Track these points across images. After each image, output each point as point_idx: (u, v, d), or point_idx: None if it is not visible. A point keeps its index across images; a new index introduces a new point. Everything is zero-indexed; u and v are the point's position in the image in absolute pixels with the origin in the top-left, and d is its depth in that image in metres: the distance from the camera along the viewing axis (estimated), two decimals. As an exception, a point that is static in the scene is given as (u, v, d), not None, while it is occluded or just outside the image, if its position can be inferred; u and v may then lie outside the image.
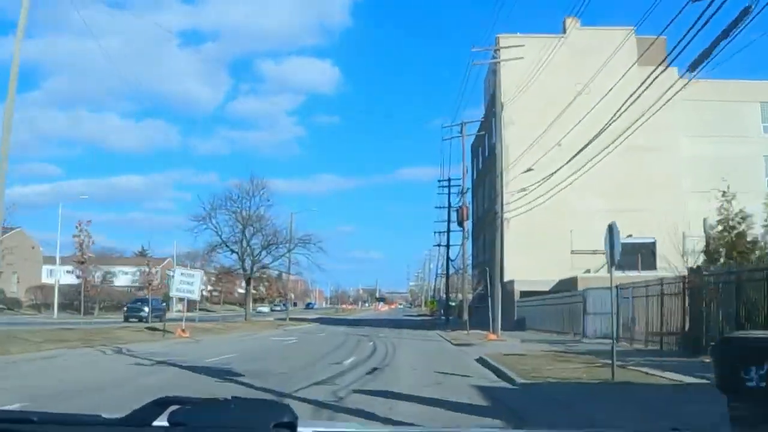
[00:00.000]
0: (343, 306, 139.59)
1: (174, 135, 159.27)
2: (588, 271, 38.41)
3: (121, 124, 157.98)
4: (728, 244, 16.69)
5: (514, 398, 10.45)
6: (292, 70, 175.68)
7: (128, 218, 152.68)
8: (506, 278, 36.82)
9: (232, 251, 49.66)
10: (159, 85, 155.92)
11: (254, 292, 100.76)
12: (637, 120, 27.62)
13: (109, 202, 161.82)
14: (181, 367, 14.78)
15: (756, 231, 18.14)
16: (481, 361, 16.99)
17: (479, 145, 55.97)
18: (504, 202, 31.86)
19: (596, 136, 26.44)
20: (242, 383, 11.69)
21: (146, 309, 37.97)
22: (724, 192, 17.59)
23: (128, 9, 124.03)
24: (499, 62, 31.16)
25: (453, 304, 70.34)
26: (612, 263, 11.70)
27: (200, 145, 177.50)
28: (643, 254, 39.43)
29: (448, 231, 60.51)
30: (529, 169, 31.48)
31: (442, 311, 68.19)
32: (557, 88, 36.38)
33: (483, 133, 49.84)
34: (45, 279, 67.86)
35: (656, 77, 18.01)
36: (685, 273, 17.82)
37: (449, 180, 59.38)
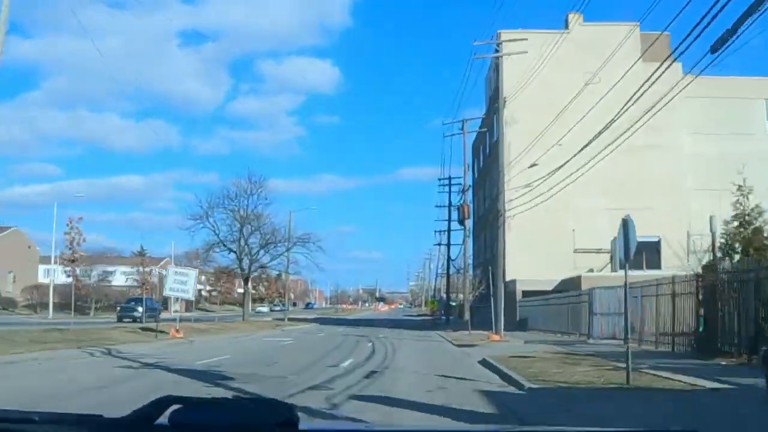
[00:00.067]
0: (343, 306, 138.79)
1: (174, 135, 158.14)
2: (591, 270, 37.68)
3: (121, 124, 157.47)
4: (744, 240, 15.93)
5: (524, 405, 9.69)
6: (292, 70, 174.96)
7: (128, 218, 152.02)
8: (508, 278, 36.11)
9: (230, 250, 48.91)
10: (159, 85, 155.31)
11: (253, 292, 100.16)
12: (641, 117, 26.99)
13: (109, 202, 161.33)
14: (168, 370, 14.02)
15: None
16: (485, 363, 16.22)
17: (480, 144, 55.25)
18: (506, 200, 31.09)
19: (600, 133, 25.86)
20: (231, 388, 10.95)
21: (140, 309, 37.10)
22: (740, 186, 16.82)
23: (128, 9, 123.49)
24: (501, 56, 30.41)
25: (453, 304, 69.60)
26: (626, 260, 10.93)
27: (200, 145, 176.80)
28: (647, 253, 38.73)
29: (449, 230, 59.76)
30: (534, 164, 30.76)
31: (442, 311, 67.42)
32: (560, 85, 35.61)
33: (484, 130, 49.11)
34: (42, 279, 67.06)
35: (661, 74, 17.53)
36: (693, 271, 17.09)
37: (450, 179, 58.69)
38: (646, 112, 24.09)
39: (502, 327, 28.16)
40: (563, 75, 36.73)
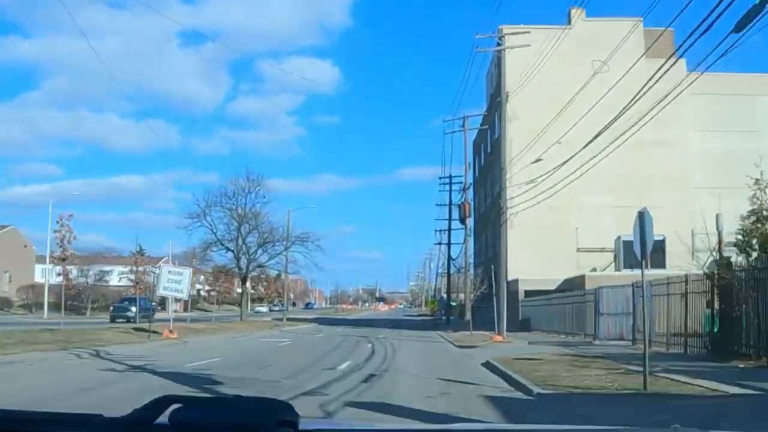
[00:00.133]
0: (343, 306, 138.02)
1: (174, 135, 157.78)
2: (594, 269, 36.97)
3: (121, 124, 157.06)
4: (762, 236, 15.17)
5: (534, 413, 8.96)
6: (292, 69, 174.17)
7: (128, 218, 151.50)
8: (510, 277, 35.36)
9: (228, 249, 48.17)
10: (159, 85, 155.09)
11: (253, 292, 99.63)
12: (646, 114, 26.32)
13: (109, 202, 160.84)
14: (154, 373, 13.27)
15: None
16: (489, 365, 15.48)
17: (481, 142, 54.55)
18: (508, 197, 30.35)
19: (606, 127, 25.22)
20: (218, 394, 10.20)
21: (133, 309, 36.27)
22: (757, 180, 16.08)
23: (128, 9, 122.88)
24: (503, 49, 29.67)
25: (454, 303, 68.84)
26: (643, 256, 10.18)
27: (200, 144, 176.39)
28: (652, 252, 37.95)
29: (449, 229, 59.00)
30: (539, 159, 29.99)
31: (442, 311, 66.66)
32: (562, 82, 34.89)
33: (486, 127, 48.38)
34: (38, 278, 66.31)
35: (666, 70, 16.95)
36: (706, 270, 16.36)
37: (450, 177, 57.96)
38: (652, 108, 23.46)
39: (505, 327, 27.45)
40: (565, 71, 36.03)
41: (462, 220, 46.94)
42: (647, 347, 10.56)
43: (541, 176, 30.41)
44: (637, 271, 32.21)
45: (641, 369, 12.97)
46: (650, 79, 18.19)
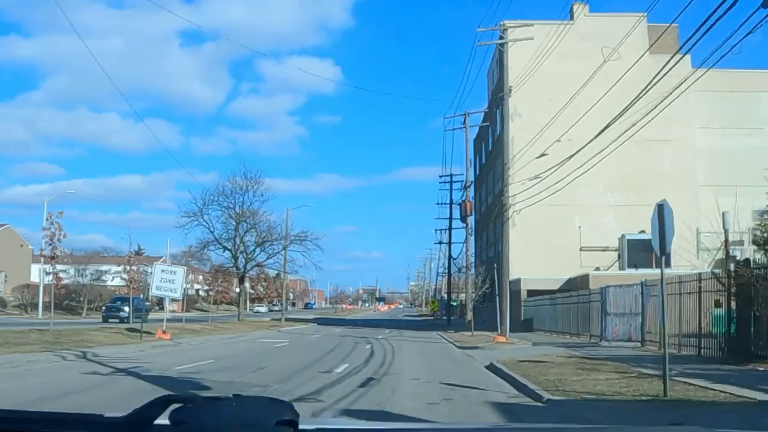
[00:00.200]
0: (343, 306, 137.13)
1: (175, 135, 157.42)
2: (598, 268, 36.24)
3: (121, 124, 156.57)
4: (782, 233, 14.40)
5: (546, 422, 8.20)
6: (292, 70, 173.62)
7: (128, 218, 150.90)
8: (512, 276, 34.67)
9: (225, 248, 47.33)
10: (159, 85, 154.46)
11: (252, 291, 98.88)
12: (650, 111, 25.63)
13: (109, 202, 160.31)
14: (140, 377, 12.52)
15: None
16: (493, 368, 14.74)
17: (482, 141, 53.83)
18: (510, 194, 29.62)
19: (610, 124, 24.56)
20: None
21: (126, 309, 35.31)
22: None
23: (129, 9, 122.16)
24: (506, 42, 28.90)
25: (454, 303, 68.13)
26: (662, 252, 9.41)
27: (201, 144, 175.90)
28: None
29: (450, 228, 58.32)
30: (543, 154, 29.28)
31: (443, 311, 65.91)
32: (564, 78, 34.19)
33: (487, 124, 47.59)
34: (35, 278, 65.52)
35: (672, 66, 16.57)
36: (709, 268, 15.66)
37: (451, 176, 57.29)
38: (656, 106, 22.80)
39: (508, 328, 26.72)
40: (568, 68, 35.38)
41: (463, 219, 46.21)
42: (666, 349, 9.77)
43: (544, 171, 29.70)
44: (642, 270, 31.93)
45: (656, 372, 12.27)
46: (656, 75, 17.81)
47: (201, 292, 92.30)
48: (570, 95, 28.58)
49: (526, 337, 27.55)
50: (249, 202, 46.74)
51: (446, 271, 62.17)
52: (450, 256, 58.61)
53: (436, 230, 65.05)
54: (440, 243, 64.04)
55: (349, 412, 8.51)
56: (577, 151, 26.79)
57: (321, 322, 52.80)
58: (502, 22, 35.43)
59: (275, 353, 20.75)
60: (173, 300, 37.76)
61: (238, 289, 55.58)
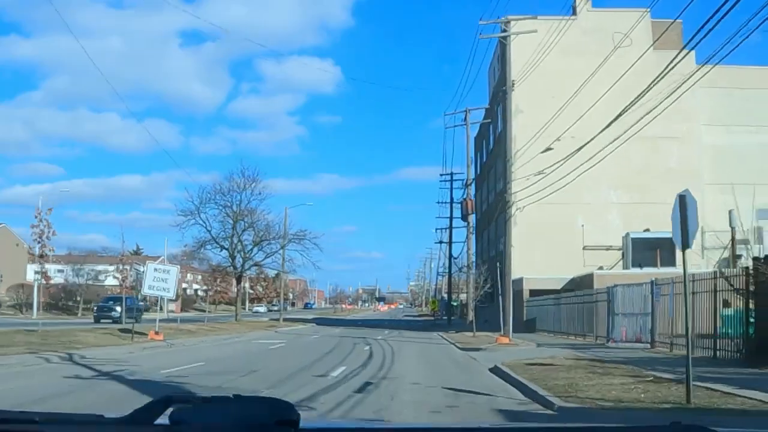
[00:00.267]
0: (342, 306, 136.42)
1: (175, 135, 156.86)
2: (601, 267, 35.47)
3: (121, 124, 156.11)
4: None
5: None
6: (293, 69, 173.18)
7: (128, 218, 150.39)
8: (514, 276, 33.95)
9: (222, 248, 46.56)
10: (159, 85, 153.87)
11: (251, 291, 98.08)
12: (656, 107, 24.92)
13: (109, 202, 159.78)
14: (123, 381, 11.76)
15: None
16: (498, 371, 13.98)
17: (483, 139, 53.06)
18: (513, 191, 28.86)
19: (616, 118, 23.88)
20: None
21: (118, 308, 34.39)
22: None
23: (129, 9, 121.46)
24: (509, 35, 28.13)
25: (455, 303, 67.36)
26: (685, 246, 8.64)
27: (201, 144, 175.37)
28: (661, 250, 36.58)
29: (450, 227, 57.56)
30: (549, 149, 28.53)
31: (443, 311, 65.14)
32: (567, 74, 33.47)
33: (488, 120, 46.84)
34: (30, 278, 64.77)
35: (678, 62, 16.26)
36: (703, 268, 14.92)
37: (452, 174, 56.55)
38: (662, 101, 22.15)
39: (511, 328, 25.96)
40: (570, 64, 34.68)
41: (464, 217, 45.47)
42: (690, 352, 8.99)
43: (548, 167, 28.98)
44: (647, 270, 31.11)
45: (672, 377, 11.51)
46: (663, 70, 17.30)
47: (200, 292, 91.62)
48: (572, 92, 27.93)
49: (529, 338, 26.79)
50: (247, 201, 46.05)
51: (446, 270, 61.38)
52: (451, 256, 57.86)
53: (436, 229, 64.35)
54: (440, 242, 63.32)
55: (344, 421, 7.75)
56: (583, 146, 26.10)
57: (320, 322, 52.03)
58: (504, 17, 34.78)
59: (270, 355, 19.99)
60: (170, 300, 36.92)
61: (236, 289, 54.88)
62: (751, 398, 8.98)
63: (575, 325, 27.04)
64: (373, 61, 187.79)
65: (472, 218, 46.31)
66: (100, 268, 61.79)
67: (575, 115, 29.09)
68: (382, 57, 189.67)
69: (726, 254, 35.34)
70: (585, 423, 6.60)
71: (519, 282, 35.44)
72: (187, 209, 44.02)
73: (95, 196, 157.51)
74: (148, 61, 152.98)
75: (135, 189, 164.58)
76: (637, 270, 32.47)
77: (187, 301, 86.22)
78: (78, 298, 59.96)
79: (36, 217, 22.46)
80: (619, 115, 23.28)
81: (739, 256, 36.44)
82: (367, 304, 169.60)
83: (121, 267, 28.51)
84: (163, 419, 1.55)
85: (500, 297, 26.31)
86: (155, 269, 24.70)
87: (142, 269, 25.37)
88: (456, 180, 55.53)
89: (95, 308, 40.92)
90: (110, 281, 66.14)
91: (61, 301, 62.42)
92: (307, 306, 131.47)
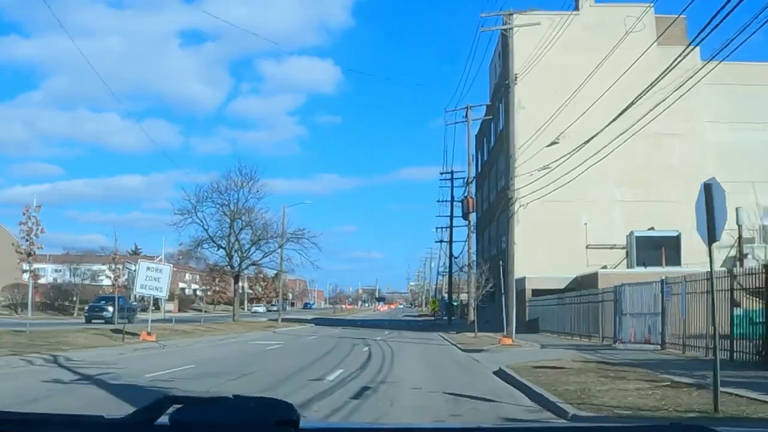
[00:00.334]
0: (342, 306, 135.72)
1: (175, 135, 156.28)
2: (605, 266, 34.76)
3: (121, 124, 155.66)
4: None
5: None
6: (293, 69, 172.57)
7: (128, 218, 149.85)
8: (516, 275, 33.25)
9: (219, 246, 45.83)
10: (159, 85, 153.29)
11: (250, 291, 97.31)
12: (659, 104, 24.25)
13: (109, 202, 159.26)
14: (104, 385, 11.03)
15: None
16: (503, 374, 13.26)
17: (483, 136, 52.35)
18: (515, 187, 28.17)
19: (621, 114, 23.31)
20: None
21: (110, 308, 33.55)
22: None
23: (129, 9, 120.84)
24: (512, 28, 27.45)
25: (455, 303, 66.62)
26: (711, 239, 7.91)
27: (201, 145, 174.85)
28: (666, 249, 35.88)
29: (451, 226, 56.84)
30: (554, 142, 27.83)
31: (443, 312, 64.40)
32: (569, 71, 32.80)
33: (490, 117, 46.11)
34: (25, 277, 64.00)
35: (683, 58, 16.03)
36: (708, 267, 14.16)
37: (452, 173, 55.87)
38: (667, 98, 21.51)
39: (514, 329, 25.26)
40: (572, 60, 34.02)
41: (465, 216, 44.77)
42: (717, 356, 8.25)
43: (552, 162, 28.31)
44: (652, 269, 30.41)
45: (690, 381, 10.81)
46: (670, 65, 16.83)
47: (199, 292, 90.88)
48: (575, 88, 27.31)
49: (533, 338, 26.07)
50: (244, 199, 45.33)
51: (447, 270, 60.63)
52: (451, 255, 57.11)
53: (436, 228, 63.61)
54: (441, 241, 62.56)
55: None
56: (591, 138, 25.47)
57: (319, 322, 51.31)
58: (508, 10, 34.09)
59: (266, 356, 19.27)
60: (164, 299, 36.16)
61: (240, 289, 54.18)
62: (782, 405, 8.25)
63: (580, 325, 26.31)
64: (374, 61, 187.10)
65: (473, 217, 45.62)
66: (96, 267, 61.06)
67: (577, 112, 28.47)
68: (382, 57, 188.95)
69: (732, 253, 34.59)
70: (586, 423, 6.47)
71: (521, 281, 34.71)
72: (184, 208, 43.37)
73: (95, 196, 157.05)
74: (148, 61, 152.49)
75: (135, 189, 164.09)
76: (642, 269, 31.78)
77: (185, 301, 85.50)
78: (74, 298, 59.24)
79: (24, 214, 21.81)
80: (626, 108, 22.68)
81: (746, 255, 35.78)
82: (366, 304, 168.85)
83: (113, 266, 27.75)
84: (163, 419, 1.53)
85: (502, 296, 25.61)
86: (147, 268, 23.97)
87: (133, 268, 24.57)
88: (456, 178, 54.88)
89: (87, 308, 40.06)
90: (108, 281, 65.47)
91: (57, 301, 61.72)
92: (306, 306, 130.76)
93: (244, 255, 46.34)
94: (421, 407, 9.16)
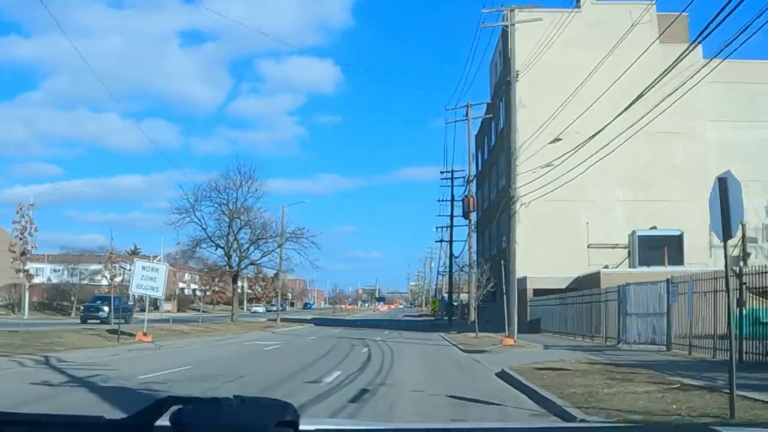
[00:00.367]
0: (342, 306, 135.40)
1: (175, 135, 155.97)
2: (607, 266, 34.39)
3: (121, 124, 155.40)
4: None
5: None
6: (292, 69, 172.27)
7: (128, 218, 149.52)
8: (518, 274, 32.88)
9: (218, 246, 45.43)
10: (159, 85, 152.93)
11: (249, 291, 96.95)
12: (661, 102, 23.89)
13: (109, 202, 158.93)
14: (95, 388, 10.66)
15: None
16: (506, 376, 12.88)
17: (484, 135, 51.97)
18: (517, 185, 27.82)
19: (623, 111, 23.02)
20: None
21: (106, 308, 33.15)
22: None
23: (129, 9, 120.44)
24: (513, 24, 27.11)
25: (456, 303, 66.26)
26: (726, 235, 7.51)
27: (201, 145, 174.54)
28: (668, 248, 35.53)
29: (451, 225, 56.47)
30: (557, 139, 27.48)
31: (444, 312, 64.03)
32: (570, 69, 32.44)
33: (490, 115, 45.75)
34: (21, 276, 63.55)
35: (683, 57, 15.88)
36: (711, 267, 13.85)
37: (452, 172, 55.49)
38: (670, 94, 21.17)
39: (516, 329, 24.89)
40: (573, 57, 33.66)
41: (465, 215, 44.41)
42: (733, 359, 7.87)
43: (554, 161, 27.95)
44: (654, 268, 30.03)
45: (700, 383, 10.44)
46: (672, 63, 16.58)
47: (198, 292, 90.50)
48: (576, 86, 26.99)
49: (535, 339, 25.70)
50: (243, 199, 44.94)
51: (447, 269, 60.26)
52: (451, 254, 56.75)
53: (437, 228, 63.24)
54: (441, 241, 62.20)
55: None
56: (594, 135, 25.16)
57: (318, 322, 50.93)
58: (509, 5, 33.70)
59: (263, 358, 18.90)
60: (161, 299, 35.79)
61: (239, 289, 53.82)
62: (800, 410, 7.88)
63: (582, 325, 25.95)
64: (374, 61, 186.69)
65: (473, 216, 45.24)
66: (94, 267, 60.70)
67: (579, 110, 28.15)
68: (382, 57, 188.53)
69: (735, 252, 34.24)
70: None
71: (523, 281, 34.35)
72: (182, 207, 42.94)
73: (95, 196, 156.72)
74: (148, 61, 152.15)
75: (135, 189, 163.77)
76: (644, 269, 31.44)
77: (184, 301, 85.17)
78: (72, 298, 58.87)
79: (18, 212, 21.46)
80: (630, 105, 22.37)
81: (749, 254, 35.43)
82: (366, 304, 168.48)
83: (109, 265, 27.39)
84: (163, 420, 1.52)
85: (503, 296, 25.24)
86: (143, 267, 23.60)
87: (129, 267, 24.19)
88: (457, 178, 54.51)
89: (82, 308, 39.62)
90: (106, 281, 65.06)
91: (55, 301, 61.35)
92: (306, 306, 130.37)
93: (243, 254, 45.98)
94: (423, 412, 8.79)
